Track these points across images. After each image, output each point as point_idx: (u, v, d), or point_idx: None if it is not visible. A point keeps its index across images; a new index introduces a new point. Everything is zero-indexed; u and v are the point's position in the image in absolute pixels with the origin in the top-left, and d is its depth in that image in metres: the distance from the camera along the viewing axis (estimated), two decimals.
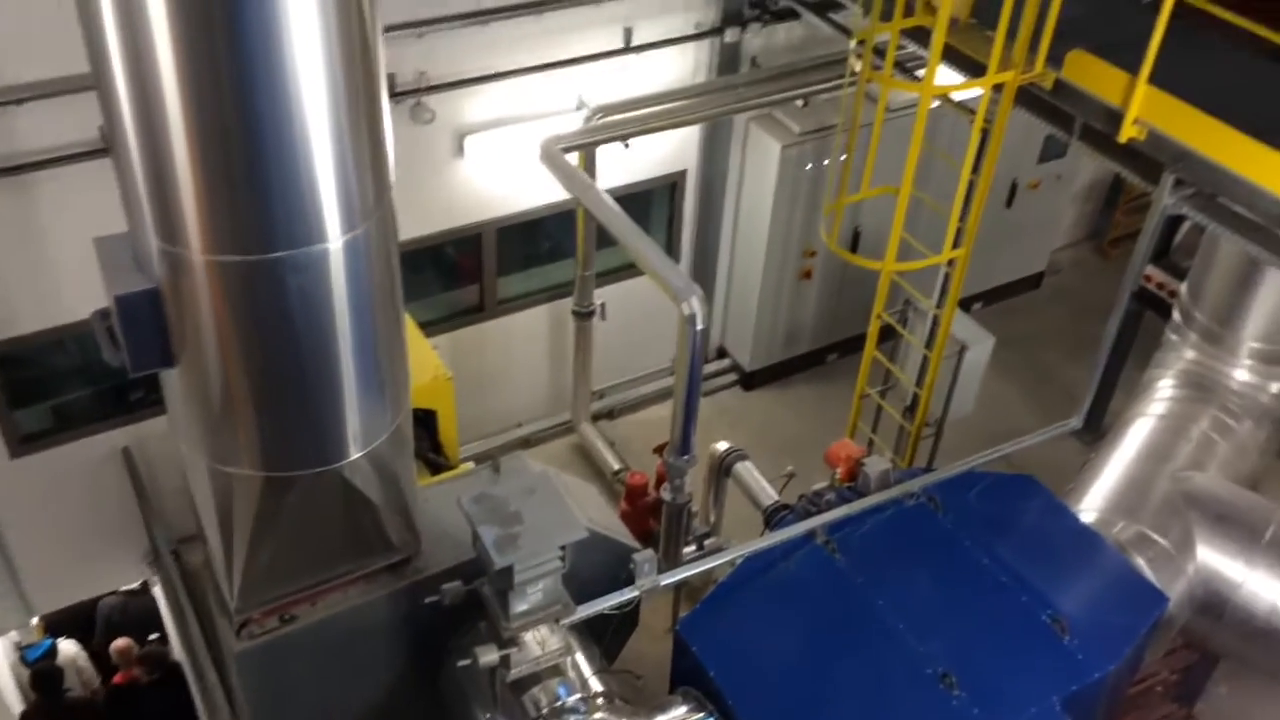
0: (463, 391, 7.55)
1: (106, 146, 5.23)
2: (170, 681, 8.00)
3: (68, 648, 8.93)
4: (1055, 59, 6.43)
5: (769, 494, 7.41)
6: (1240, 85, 6.22)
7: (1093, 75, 6.28)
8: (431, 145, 8.11)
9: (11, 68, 6.39)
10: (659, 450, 7.71)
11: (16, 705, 8.51)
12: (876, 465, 6.44)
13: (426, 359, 7.19)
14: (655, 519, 7.98)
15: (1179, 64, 6.10)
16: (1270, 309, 7.05)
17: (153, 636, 8.72)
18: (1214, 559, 6.45)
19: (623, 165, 8.88)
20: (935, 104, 7.14)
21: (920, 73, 7.42)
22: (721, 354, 10.96)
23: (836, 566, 6.01)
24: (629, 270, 9.40)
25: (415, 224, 8.19)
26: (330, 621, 5.31)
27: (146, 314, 4.18)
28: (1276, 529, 6.43)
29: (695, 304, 6.57)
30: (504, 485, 5.26)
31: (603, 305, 9.19)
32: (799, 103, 9.24)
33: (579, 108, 8.44)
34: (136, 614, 9.03)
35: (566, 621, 5.28)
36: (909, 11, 6.94)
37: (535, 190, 8.58)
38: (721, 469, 7.73)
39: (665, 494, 7.42)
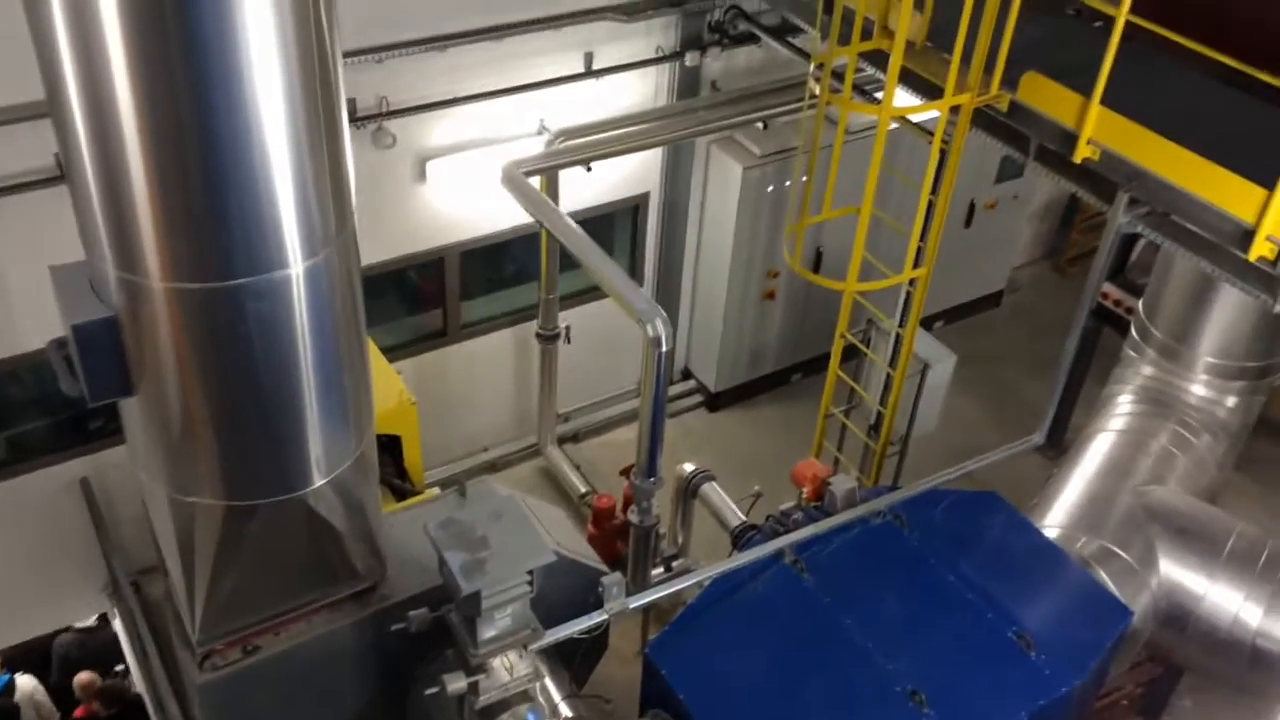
0: (427, 416, 7.50)
1: (62, 174, 5.18)
2: (130, 716, 7.86)
3: (25, 683, 8.75)
4: (1010, 81, 6.53)
5: (736, 515, 7.41)
6: (1191, 106, 6.34)
7: (1047, 97, 6.38)
8: (393, 170, 8.09)
9: None
10: (625, 473, 7.69)
11: None
12: (843, 484, 6.47)
13: (390, 384, 7.15)
14: (623, 541, 7.96)
15: (1131, 85, 6.21)
16: (1224, 324, 7.17)
17: (118, 669, 8.57)
18: (1176, 572, 6.53)
19: (585, 188, 8.90)
20: (894, 126, 7.22)
21: (879, 95, 7.50)
22: (687, 375, 10.98)
23: (804, 586, 6.02)
24: (593, 293, 9.41)
25: (378, 249, 8.16)
26: (295, 652, 5.25)
27: (104, 343, 4.13)
28: (1236, 541, 6.52)
29: (659, 326, 6.58)
30: (470, 510, 5.24)
31: (567, 328, 9.19)
32: (759, 125, 9.32)
33: (541, 132, 8.46)
34: (95, 650, 8.86)
35: (535, 647, 5.25)
36: (866, 35, 7.03)
37: (498, 214, 8.57)
38: (688, 490, 7.72)
39: (633, 516, 7.41)
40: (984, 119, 6.89)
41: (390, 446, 7.08)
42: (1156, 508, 6.72)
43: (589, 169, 8.49)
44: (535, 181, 7.90)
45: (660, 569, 7.92)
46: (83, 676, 8.22)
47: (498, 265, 9.27)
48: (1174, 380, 7.42)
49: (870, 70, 7.46)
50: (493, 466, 9.91)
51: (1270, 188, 5.43)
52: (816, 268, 9.89)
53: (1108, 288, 9.44)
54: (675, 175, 9.52)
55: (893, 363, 8.24)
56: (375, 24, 7.34)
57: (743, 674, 5.71)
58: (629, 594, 5.82)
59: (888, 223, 8.02)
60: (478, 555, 4.94)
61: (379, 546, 5.38)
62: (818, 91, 7.28)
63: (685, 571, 7.74)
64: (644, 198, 9.53)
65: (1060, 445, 8.67)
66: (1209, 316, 7.18)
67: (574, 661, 5.98)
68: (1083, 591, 6.14)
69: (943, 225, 7.46)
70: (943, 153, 7.11)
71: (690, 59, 8.89)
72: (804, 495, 6.88)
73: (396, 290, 8.96)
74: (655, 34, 8.75)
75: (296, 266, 4.05)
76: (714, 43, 8.98)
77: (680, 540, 8.10)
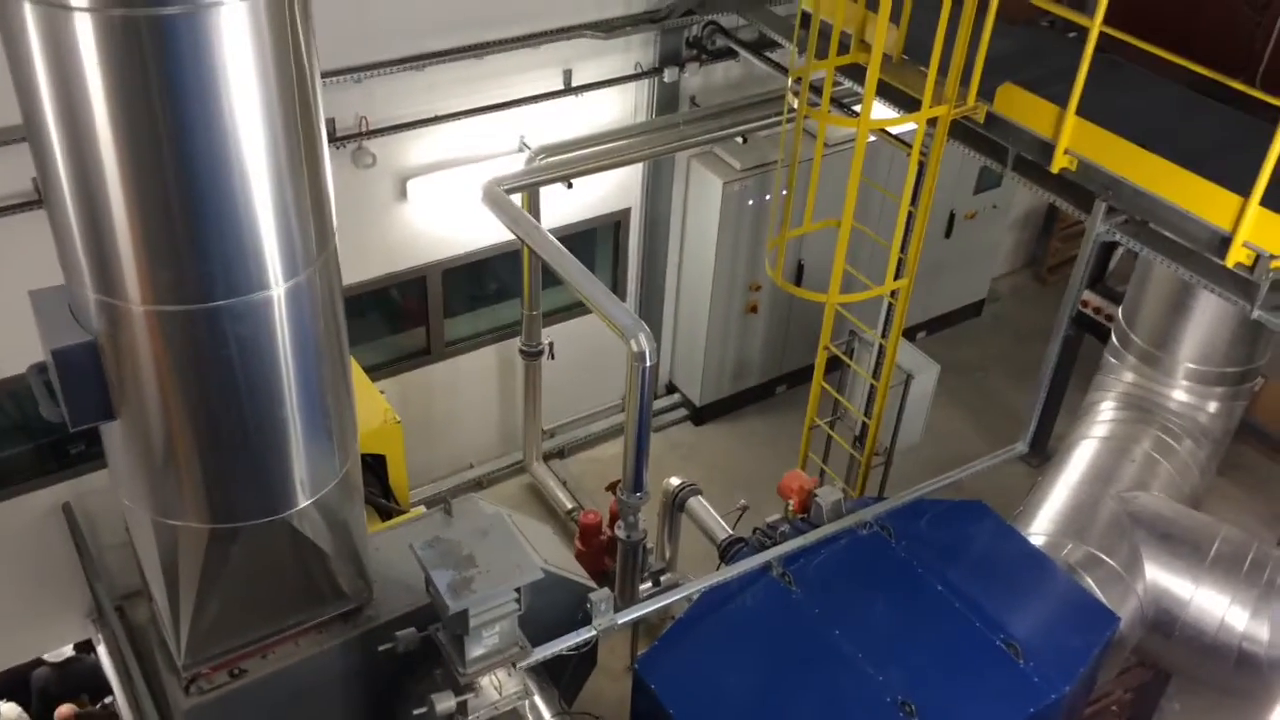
0: (412, 435, 7.48)
1: (40, 198, 5.15)
2: None
3: (8, 711, 8.66)
4: (987, 93, 6.58)
5: (723, 528, 7.41)
6: (1166, 115, 6.41)
7: (1023, 108, 6.43)
8: (374, 189, 8.08)
9: None
10: (612, 488, 7.68)
11: None
12: (829, 496, 6.48)
13: (374, 403, 7.12)
14: (611, 557, 7.95)
15: (1106, 95, 6.28)
16: (1203, 330, 7.22)
17: (108, 700, 8.48)
18: (1162, 577, 6.56)
19: (567, 204, 8.91)
20: (872, 139, 7.27)
21: (857, 108, 7.55)
22: (671, 389, 10.99)
23: (793, 598, 6.02)
24: (576, 309, 9.41)
25: (360, 268, 8.15)
26: (282, 674, 5.21)
27: (85, 367, 4.11)
28: (1221, 546, 6.55)
29: (643, 341, 6.59)
30: (457, 528, 5.22)
31: (551, 344, 9.18)
32: (739, 140, 9.36)
33: (521, 149, 8.47)
34: (75, 680, 8.77)
35: (524, 664, 5.23)
36: (844, 49, 7.08)
37: (480, 231, 8.57)
38: (675, 504, 7.72)
39: (620, 532, 7.40)
40: (961, 130, 6.94)
41: (375, 466, 7.06)
42: (1141, 514, 6.76)
43: (570, 185, 8.50)
44: (516, 199, 7.91)
45: (648, 584, 7.91)
46: (63, 710, 8.17)
47: (480, 283, 9.27)
48: (1155, 387, 7.47)
49: (848, 84, 7.51)
50: (479, 484, 9.88)
51: (1245, 194, 5.49)
52: (798, 280, 9.93)
53: (1088, 295, 9.50)
54: (656, 190, 9.55)
55: (876, 374, 8.27)
56: (354, 43, 7.35)
57: (733, 687, 5.71)
58: (617, 609, 5.81)
59: (868, 235, 8.05)
60: (465, 573, 4.92)
61: (365, 567, 5.35)
62: (796, 105, 7.33)
63: (673, 586, 7.72)
64: (625, 213, 9.55)
65: (1044, 453, 8.71)
66: (1188, 323, 7.24)
67: (563, 678, 5.95)
68: (1070, 598, 6.16)
69: (923, 236, 7.50)
70: (921, 164, 7.15)
71: (669, 75, 8.93)
72: (790, 507, 6.89)
73: (379, 309, 8.94)
74: (634, 50, 8.79)
75: (278, 288, 4.04)
76: (692, 58, 9.03)
77: (668, 555, 8.09)
